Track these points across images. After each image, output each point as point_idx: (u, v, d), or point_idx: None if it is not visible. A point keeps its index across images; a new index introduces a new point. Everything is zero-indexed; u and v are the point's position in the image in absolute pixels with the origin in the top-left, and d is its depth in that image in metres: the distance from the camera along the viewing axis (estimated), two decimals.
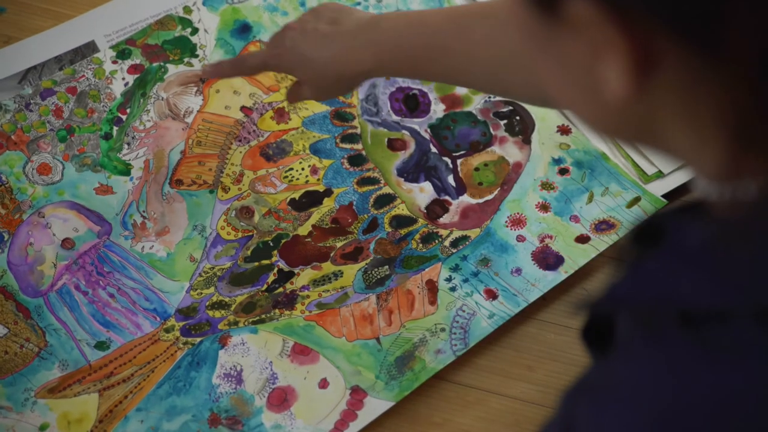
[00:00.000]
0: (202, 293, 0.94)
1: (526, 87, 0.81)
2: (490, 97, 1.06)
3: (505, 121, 1.05)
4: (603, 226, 0.98)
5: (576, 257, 0.96)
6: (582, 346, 0.60)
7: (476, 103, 1.06)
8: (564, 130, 1.04)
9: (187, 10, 1.09)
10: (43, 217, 0.96)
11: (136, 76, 1.05)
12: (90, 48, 1.06)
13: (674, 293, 0.47)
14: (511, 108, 1.06)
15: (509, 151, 1.03)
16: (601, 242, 0.97)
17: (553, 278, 0.95)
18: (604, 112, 0.49)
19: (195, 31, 1.09)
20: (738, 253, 0.45)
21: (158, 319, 0.92)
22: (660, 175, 1.02)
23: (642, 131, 0.49)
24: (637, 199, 1.00)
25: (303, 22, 0.89)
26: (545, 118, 1.05)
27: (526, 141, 1.04)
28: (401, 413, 0.90)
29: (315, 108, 1.05)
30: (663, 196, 1.00)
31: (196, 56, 1.07)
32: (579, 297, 0.96)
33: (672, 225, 0.49)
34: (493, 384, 0.92)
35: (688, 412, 0.46)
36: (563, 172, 1.02)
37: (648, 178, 1.02)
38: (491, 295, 0.95)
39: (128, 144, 1.01)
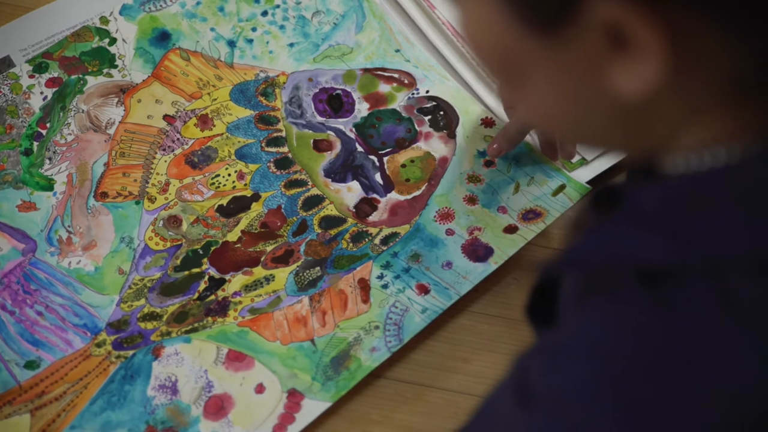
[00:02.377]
0: (132, 305, 0.93)
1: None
2: (413, 94, 1.07)
3: (430, 117, 1.05)
4: (530, 215, 0.99)
5: (505, 248, 0.97)
6: (527, 324, 0.61)
7: (400, 100, 1.06)
8: (488, 123, 1.05)
9: (104, 20, 1.08)
10: None
11: (54, 89, 1.04)
12: (5, 63, 1.05)
13: (629, 253, 0.48)
14: (434, 103, 1.06)
15: (435, 146, 1.04)
16: (529, 231, 0.98)
17: (483, 270, 0.96)
18: (600, 119, 0.49)
19: (113, 41, 1.07)
20: (690, 215, 0.46)
21: (89, 334, 0.91)
22: (584, 162, 1.03)
23: (634, 129, 0.49)
24: (562, 187, 1.01)
25: None
26: (468, 112, 1.06)
27: (451, 135, 1.04)
28: (339, 413, 0.90)
29: (238, 113, 1.05)
30: (588, 182, 1.01)
31: (115, 66, 1.06)
32: (510, 286, 0.97)
33: (628, 191, 0.50)
34: (430, 378, 0.92)
35: (640, 364, 0.47)
36: (489, 164, 1.02)
37: (572, 165, 1.03)
38: (423, 290, 0.95)
39: (50, 159, 1.00)
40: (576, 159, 1.03)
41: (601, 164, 1.03)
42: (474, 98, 1.06)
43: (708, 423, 0.45)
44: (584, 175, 1.02)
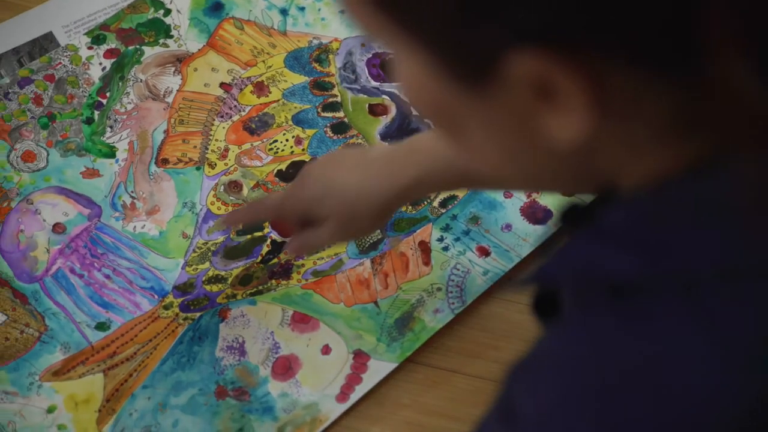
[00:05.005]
0: (197, 269, 0.94)
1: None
2: None
3: None
4: None
5: None
6: (534, 319, 0.61)
7: None
8: None
9: None
10: (32, 203, 0.96)
11: (112, 60, 1.05)
12: (48, 39, 1.06)
13: (600, 268, 0.48)
14: None
15: None
16: (589, 195, 0.98)
17: (543, 232, 0.96)
18: (543, 165, 0.49)
19: (168, 12, 1.08)
20: (657, 231, 0.47)
21: (156, 296, 0.92)
22: None
23: (579, 169, 0.49)
24: None
25: (326, 157, 0.84)
26: None
27: None
28: (369, 395, 0.90)
29: (293, 80, 1.05)
30: None
31: (171, 37, 1.07)
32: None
33: (596, 209, 0.51)
34: (460, 364, 0.92)
35: (610, 378, 0.47)
36: None
37: None
38: (484, 252, 0.96)
39: (111, 127, 1.01)
40: None
41: None
42: None
43: None
44: None
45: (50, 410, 0.86)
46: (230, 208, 0.97)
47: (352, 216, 0.80)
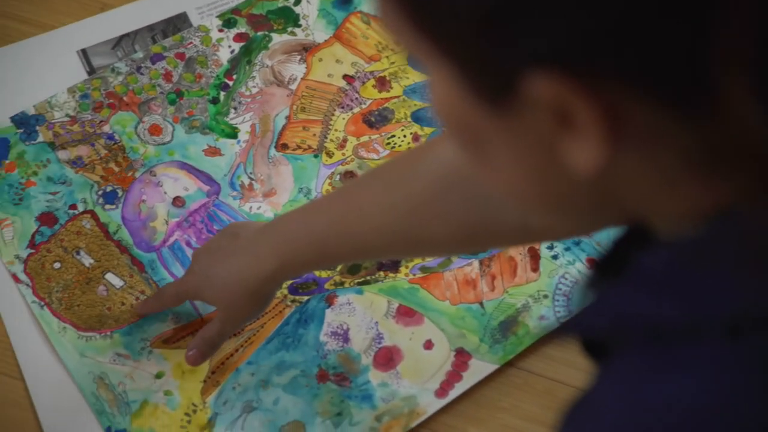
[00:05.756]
0: None
1: (439, 235, 0.77)
2: None
3: None
4: None
5: None
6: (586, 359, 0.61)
7: None
8: None
9: None
10: (155, 175, 0.98)
11: (241, 44, 1.07)
12: (181, 19, 1.08)
13: (638, 314, 0.48)
14: None
15: None
16: None
17: None
18: (561, 192, 0.48)
19: (298, 1, 1.10)
20: (697, 276, 0.46)
21: None
22: None
23: (603, 200, 0.48)
24: None
25: (209, 244, 0.87)
26: None
27: None
28: (469, 396, 0.90)
29: (416, 77, 1.06)
30: None
31: (299, 26, 1.09)
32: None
33: (632, 254, 0.50)
34: (563, 374, 0.92)
35: (650, 423, 0.46)
36: None
37: None
38: (594, 264, 0.95)
39: (235, 108, 1.03)
40: None
41: None
42: None
43: None
44: None
45: (158, 376, 0.88)
46: None
47: (230, 303, 0.83)
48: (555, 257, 0.96)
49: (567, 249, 0.96)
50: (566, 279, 0.95)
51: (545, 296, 0.94)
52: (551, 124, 0.44)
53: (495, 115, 0.45)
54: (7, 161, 0.98)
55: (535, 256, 0.96)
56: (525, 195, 0.51)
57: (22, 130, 0.99)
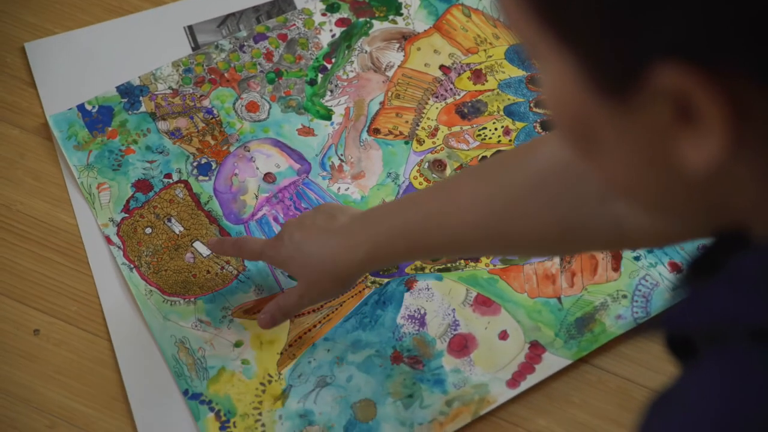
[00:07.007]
0: None
1: (533, 232, 0.78)
2: None
3: None
4: None
5: None
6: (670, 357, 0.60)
7: None
8: None
9: None
10: (249, 151, 1.01)
11: (343, 29, 1.09)
12: (286, 2, 1.11)
13: (737, 313, 0.47)
14: None
15: None
16: None
17: None
18: (669, 190, 0.48)
19: None
20: None
21: None
22: None
23: (707, 202, 0.48)
24: None
25: (302, 218, 0.88)
26: None
27: None
28: (541, 388, 0.91)
29: (511, 72, 1.07)
30: None
31: (401, 14, 1.10)
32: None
33: (729, 257, 0.49)
34: (636, 374, 0.91)
35: (751, 421, 0.46)
36: None
37: None
38: (676, 267, 0.95)
39: (331, 91, 1.05)
40: None
41: None
42: None
43: None
44: None
45: (237, 344, 0.91)
46: (431, 185, 1.00)
47: (315, 280, 0.85)
48: (637, 258, 0.95)
49: (650, 251, 0.96)
50: (647, 281, 0.94)
51: (624, 296, 0.93)
52: (670, 118, 0.44)
53: (613, 107, 0.45)
54: (110, 128, 1.02)
55: (617, 256, 0.96)
56: (632, 189, 0.51)
57: (126, 100, 1.03)
